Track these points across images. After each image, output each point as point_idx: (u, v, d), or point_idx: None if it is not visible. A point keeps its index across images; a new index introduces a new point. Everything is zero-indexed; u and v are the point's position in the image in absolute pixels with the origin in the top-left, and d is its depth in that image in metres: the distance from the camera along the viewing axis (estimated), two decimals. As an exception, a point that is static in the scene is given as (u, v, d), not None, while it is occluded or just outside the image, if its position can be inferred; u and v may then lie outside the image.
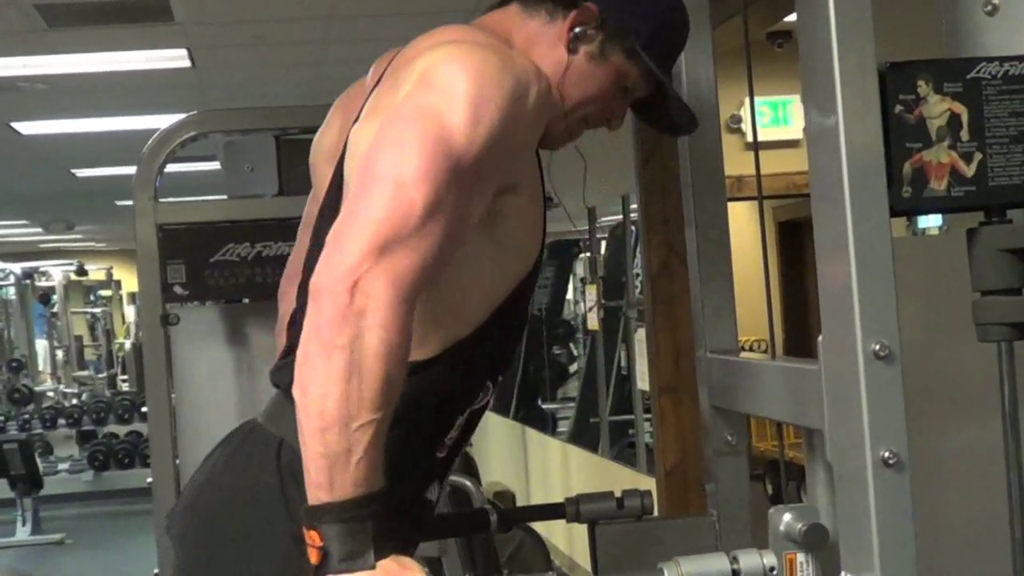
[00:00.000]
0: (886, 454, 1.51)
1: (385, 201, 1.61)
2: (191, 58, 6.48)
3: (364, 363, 1.53)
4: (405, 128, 1.67)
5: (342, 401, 1.53)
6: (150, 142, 3.52)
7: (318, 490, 1.56)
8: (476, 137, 1.66)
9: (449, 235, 1.64)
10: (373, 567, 1.55)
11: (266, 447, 1.87)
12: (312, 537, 1.56)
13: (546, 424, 10.46)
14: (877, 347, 1.52)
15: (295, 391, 1.58)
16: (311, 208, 2.11)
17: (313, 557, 1.56)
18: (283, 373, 1.88)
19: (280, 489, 1.82)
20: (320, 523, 1.55)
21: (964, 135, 1.59)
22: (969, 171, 1.59)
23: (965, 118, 1.59)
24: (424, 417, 1.85)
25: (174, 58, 6.47)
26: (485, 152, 1.67)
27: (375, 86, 1.91)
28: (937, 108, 1.58)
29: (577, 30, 1.88)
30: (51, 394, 14.33)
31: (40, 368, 15.21)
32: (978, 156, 1.59)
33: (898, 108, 1.57)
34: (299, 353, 1.59)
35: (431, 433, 1.89)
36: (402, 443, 1.71)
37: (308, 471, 1.57)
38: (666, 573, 1.59)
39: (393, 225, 1.59)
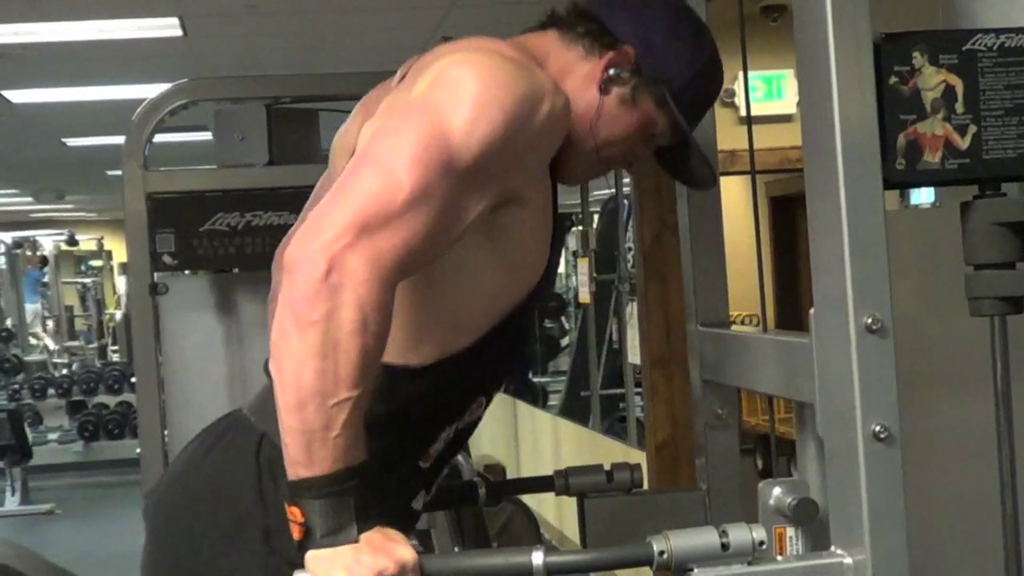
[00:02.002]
0: (877, 428, 1.51)
1: (372, 182, 1.60)
2: (183, 27, 6.45)
3: (340, 339, 1.51)
4: (406, 120, 1.67)
5: (318, 377, 1.51)
6: (140, 109, 3.50)
7: (297, 466, 1.55)
8: (474, 135, 1.65)
9: (436, 227, 1.62)
10: (356, 540, 1.54)
11: (247, 440, 1.85)
12: (294, 513, 1.55)
13: (537, 398, 10.47)
14: (869, 320, 1.51)
15: (271, 366, 1.57)
16: (319, 192, 2.10)
17: (296, 533, 1.56)
18: None
19: (257, 486, 1.81)
20: (301, 499, 1.54)
21: (959, 107, 1.58)
22: (963, 144, 1.58)
23: (960, 90, 1.58)
24: (410, 426, 1.85)
25: (165, 26, 6.44)
26: (483, 152, 1.65)
27: (397, 87, 1.91)
28: (932, 80, 1.57)
29: (612, 72, 1.86)
30: (44, 351, 14.31)
31: (35, 330, 15.19)
32: (973, 129, 1.58)
33: (893, 80, 1.56)
34: (274, 328, 1.57)
35: (416, 443, 1.88)
36: (384, 451, 1.70)
37: (287, 447, 1.56)
38: (655, 546, 1.58)
39: (377, 204, 1.58)
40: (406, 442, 1.85)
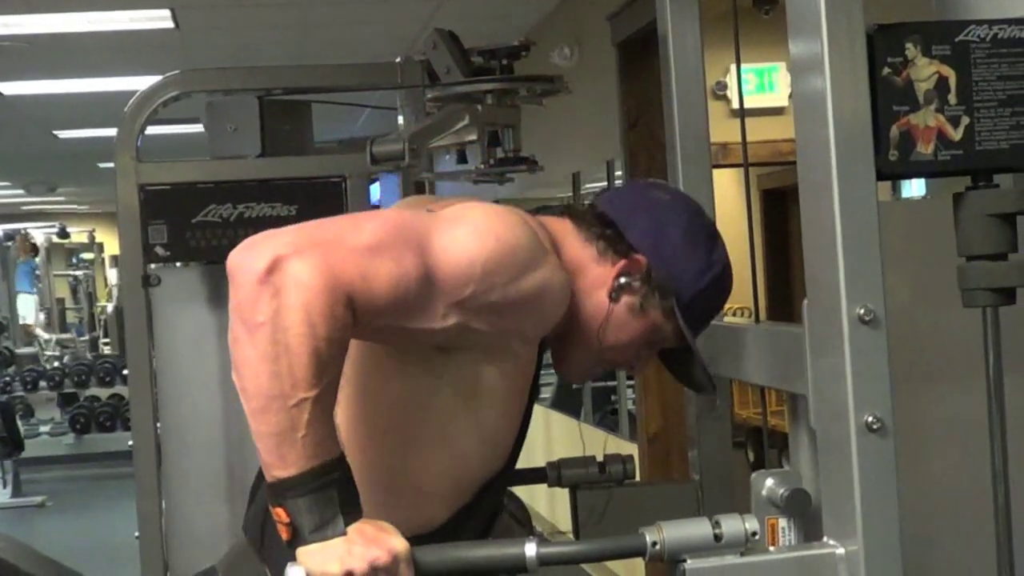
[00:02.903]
0: (870, 419, 1.51)
1: (341, 222, 1.62)
2: (174, 19, 6.43)
3: (289, 342, 1.50)
4: (404, 214, 1.71)
5: (274, 380, 1.51)
6: (132, 101, 3.49)
7: (273, 468, 1.54)
8: (457, 243, 1.65)
9: (393, 282, 1.59)
10: (344, 533, 1.53)
11: None
12: (279, 514, 1.55)
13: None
14: (862, 311, 1.51)
15: (233, 375, 1.56)
16: None
17: (283, 534, 1.55)
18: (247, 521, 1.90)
19: None
20: (283, 499, 1.54)
21: (952, 98, 1.58)
22: (956, 135, 1.58)
23: (953, 81, 1.58)
24: None
25: (157, 18, 6.43)
26: (458, 260, 1.64)
27: None
28: (925, 71, 1.57)
29: (623, 280, 1.86)
30: (37, 343, 14.25)
31: (30, 322, 15.13)
32: (965, 120, 1.58)
33: (886, 71, 1.56)
34: (229, 336, 1.56)
35: None
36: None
37: (260, 452, 1.56)
38: (648, 537, 1.58)
39: (337, 232, 1.59)
40: None
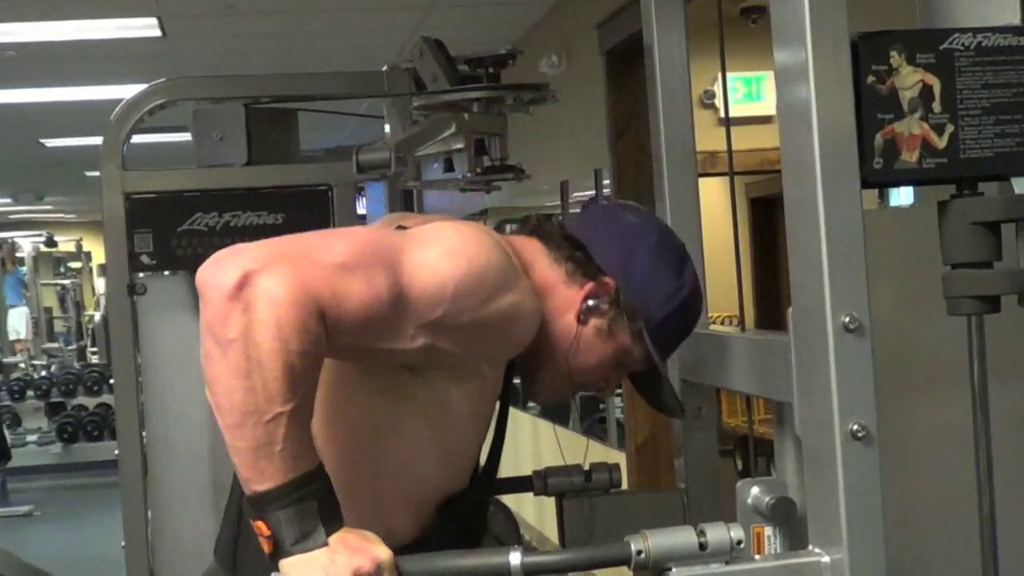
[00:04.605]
0: (855, 427, 1.51)
1: (311, 238, 1.61)
2: (161, 27, 6.43)
3: (261, 358, 1.49)
4: (378, 237, 1.69)
5: (248, 395, 1.50)
6: (118, 109, 3.48)
7: (251, 483, 1.54)
8: (428, 263, 1.64)
9: (363, 300, 1.58)
10: (326, 543, 1.53)
11: None
12: (260, 528, 1.54)
13: (516, 398, 10.45)
14: (847, 319, 1.51)
15: (207, 391, 1.56)
16: None
17: (265, 547, 1.55)
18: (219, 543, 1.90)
19: None
20: (263, 512, 1.53)
21: (936, 107, 1.58)
22: (941, 143, 1.58)
23: (937, 89, 1.58)
24: None
25: (144, 27, 6.42)
26: (430, 280, 1.63)
27: None
28: (909, 79, 1.57)
29: (591, 303, 1.86)
30: (26, 352, 14.23)
31: (23, 337, 15.10)
32: (950, 128, 1.58)
33: (870, 79, 1.56)
34: (201, 353, 1.55)
35: None
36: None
37: (237, 467, 1.55)
38: (633, 546, 1.58)
39: (307, 248, 1.57)
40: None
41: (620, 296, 1.86)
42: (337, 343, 1.58)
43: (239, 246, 1.56)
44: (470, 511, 1.90)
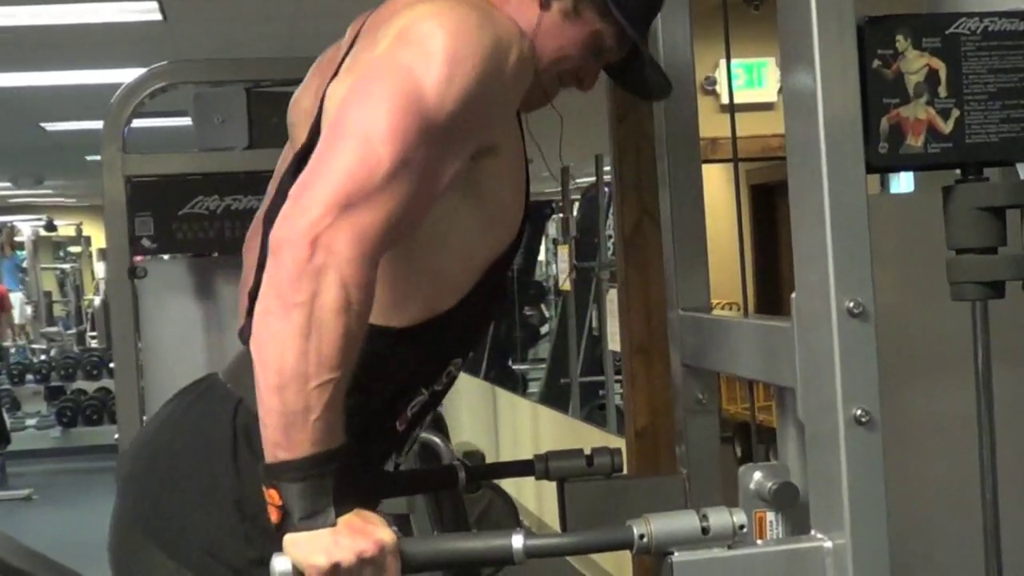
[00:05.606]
0: (858, 412, 1.50)
1: (351, 156, 1.58)
2: (162, 10, 6.41)
3: (324, 320, 1.50)
4: (377, 84, 1.64)
5: (300, 359, 1.50)
6: (119, 92, 3.47)
7: (276, 448, 1.53)
8: (449, 95, 1.62)
9: (417, 194, 1.61)
10: (334, 524, 1.53)
11: (223, 405, 1.83)
12: (272, 496, 1.54)
13: (516, 385, 10.47)
14: (851, 304, 1.50)
15: (252, 347, 1.56)
16: (282, 166, 2.07)
17: (273, 516, 1.54)
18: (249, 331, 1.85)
19: (232, 452, 1.79)
20: (279, 481, 1.53)
21: (942, 91, 1.57)
22: (946, 128, 1.57)
23: (943, 74, 1.57)
24: (389, 387, 1.82)
25: (145, 10, 6.40)
26: (459, 111, 1.63)
27: (351, 46, 1.86)
28: (915, 64, 1.57)
29: None
30: (24, 336, 14.23)
31: (20, 322, 15.11)
32: (956, 113, 1.57)
33: (876, 63, 1.55)
34: (257, 308, 1.56)
35: (393, 405, 1.85)
36: (361, 411, 1.69)
37: (265, 428, 1.55)
38: (635, 530, 1.57)
39: (358, 181, 1.56)
40: (384, 403, 1.83)
41: None
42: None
43: (298, 202, 1.56)
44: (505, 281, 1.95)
